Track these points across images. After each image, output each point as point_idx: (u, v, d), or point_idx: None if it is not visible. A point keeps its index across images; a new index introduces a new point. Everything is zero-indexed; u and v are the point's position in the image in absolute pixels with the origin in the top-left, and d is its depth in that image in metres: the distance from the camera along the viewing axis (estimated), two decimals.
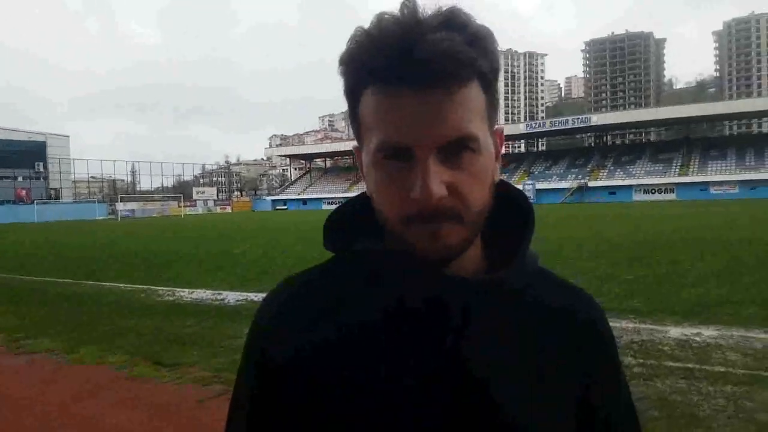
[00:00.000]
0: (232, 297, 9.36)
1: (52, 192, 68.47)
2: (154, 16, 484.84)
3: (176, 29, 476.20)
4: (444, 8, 0.61)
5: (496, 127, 0.70)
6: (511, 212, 0.75)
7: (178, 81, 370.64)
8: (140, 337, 6.83)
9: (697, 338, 5.93)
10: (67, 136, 77.31)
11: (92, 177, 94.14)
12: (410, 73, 0.59)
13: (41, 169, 66.78)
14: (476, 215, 0.64)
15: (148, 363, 5.74)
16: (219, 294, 9.71)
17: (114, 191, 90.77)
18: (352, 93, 0.66)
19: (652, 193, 58.75)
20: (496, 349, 0.68)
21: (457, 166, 0.62)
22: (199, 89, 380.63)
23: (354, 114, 0.67)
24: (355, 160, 0.73)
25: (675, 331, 6.22)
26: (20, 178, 64.91)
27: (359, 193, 0.77)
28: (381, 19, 0.61)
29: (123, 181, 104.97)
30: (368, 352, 0.67)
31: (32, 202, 60.83)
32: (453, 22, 0.60)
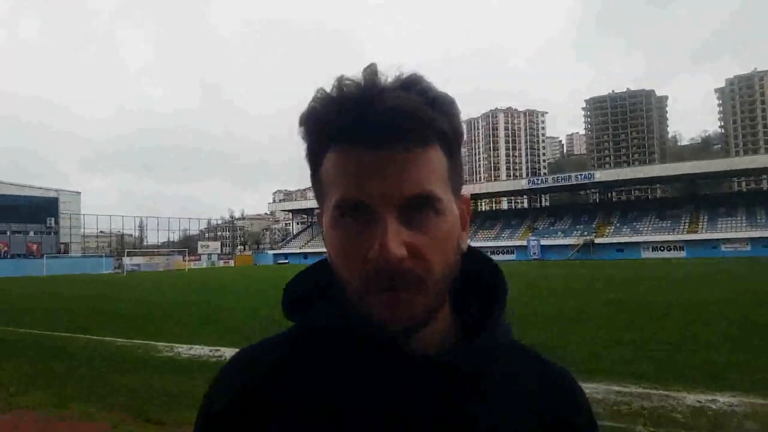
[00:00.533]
0: (229, 353, 9.08)
1: (62, 246, 68.89)
2: (163, 74, 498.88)
3: (185, 88, 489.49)
4: (404, 74, 0.62)
5: (463, 193, 0.68)
6: (480, 282, 0.72)
7: (185, 140, 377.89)
8: (132, 393, 6.64)
9: (713, 405, 5.65)
10: (79, 193, 78.81)
11: (101, 232, 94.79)
12: (368, 131, 0.58)
13: (52, 224, 67.48)
14: (440, 282, 0.61)
15: (138, 421, 5.57)
16: (217, 350, 9.50)
17: (122, 246, 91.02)
18: (314, 154, 0.65)
19: (661, 251, 58.10)
20: None
21: (418, 228, 0.60)
22: (207, 148, 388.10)
23: (315, 175, 0.66)
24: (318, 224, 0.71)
25: (689, 398, 5.92)
26: (32, 233, 65.55)
27: (321, 258, 0.75)
28: (341, 81, 0.61)
29: (131, 235, 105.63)
30: None
31: (42, 256, 61.13)
32: (413, 85, 0.61)
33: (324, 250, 0.63)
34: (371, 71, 0.61)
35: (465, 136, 0.66)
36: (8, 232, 63.00)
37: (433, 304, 0.62)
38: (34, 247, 64.14)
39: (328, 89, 0.62)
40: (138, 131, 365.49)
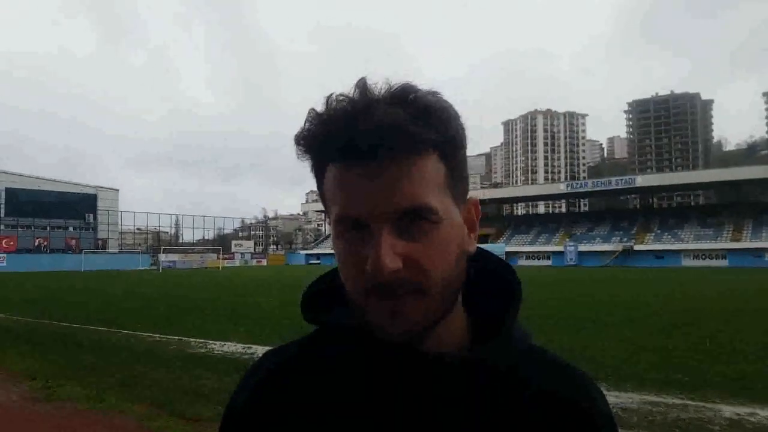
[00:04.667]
0: (262, 351, 9.17)
1: (100, 242, 70.80)
2: (207, 78, 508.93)
3: (229, 91, 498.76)
4: (394, 86, 0.62)
5: (470, 197, 0.69)
6: (493, 284, 0.73)
7: (225, 140, 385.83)
8: (165, 388, 6.75)
9: (752, 419, 5.43)
10: (117, 190, 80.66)
11: (138, 229, 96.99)
12: (355, 149, 0.59)
13: (91, 221, 69.42)
14: (441, 287, 0.62)
15: (169, 415, 5.65)
16: (249, 348, 9.61)
17: (158, 243, 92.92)
18: (315, 170, 0.66)
19: (703, 259, 56.54)
20: None
21: (413, 238, 0.61)
22: (244, 149, 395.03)
23: (320, 189, 0.68)
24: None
25: (727, 410, 5.71)
26: (71, 228, 67.60)
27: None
28: (329, 99, 0.62)
29: (167, 233, 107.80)
30: None
31: (80, 252, 62.94)
32: (401, 97, 0.61)
33: None
34: (361, 86, 0.62)
35: (466, 140, 0.66)
36: (48, 228, 65.24)
37: (435, 310, 0.63)
38: (73, 242, 66.17)
39: (319, 108, 0.63)
40: (182, 131, 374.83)
